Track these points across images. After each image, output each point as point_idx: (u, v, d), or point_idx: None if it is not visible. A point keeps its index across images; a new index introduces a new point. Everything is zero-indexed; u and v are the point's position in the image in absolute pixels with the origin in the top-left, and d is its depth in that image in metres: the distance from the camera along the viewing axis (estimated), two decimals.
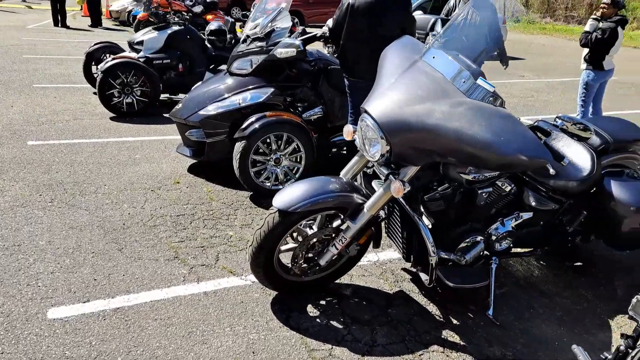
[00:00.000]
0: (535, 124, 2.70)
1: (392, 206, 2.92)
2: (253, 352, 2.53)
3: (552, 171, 2.40)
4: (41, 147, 5.10)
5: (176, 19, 7.04)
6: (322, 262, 2.83)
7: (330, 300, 2.98)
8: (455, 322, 2.88)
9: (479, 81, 2.45)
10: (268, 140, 4.20)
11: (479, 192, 2.82)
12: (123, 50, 7.23)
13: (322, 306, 2.92)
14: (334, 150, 4.89)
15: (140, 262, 3.23)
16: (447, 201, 2.83)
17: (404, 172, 2.60)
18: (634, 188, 3.16)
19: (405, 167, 2.60)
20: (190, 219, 3.84)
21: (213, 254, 3.39)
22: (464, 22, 2.79)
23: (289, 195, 2.66)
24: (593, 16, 6.10)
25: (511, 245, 3.08)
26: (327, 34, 4.65)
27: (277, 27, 4.60)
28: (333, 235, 2.83)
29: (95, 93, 6.95)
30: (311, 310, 2.88)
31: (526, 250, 3.32)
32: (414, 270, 3.12)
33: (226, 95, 4.46)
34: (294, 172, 4.38)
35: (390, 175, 2.59)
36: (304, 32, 4.95)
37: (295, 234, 2.87)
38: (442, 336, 2.76)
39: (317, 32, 4.81)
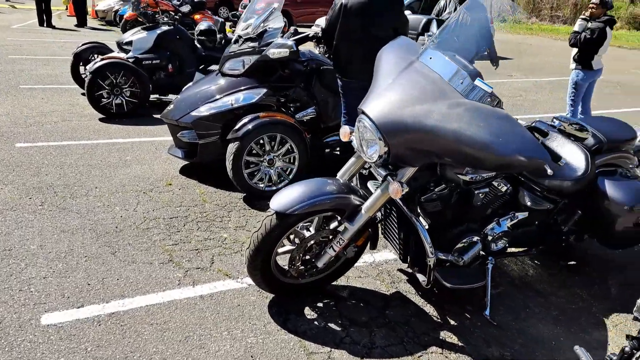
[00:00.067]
0: (533, 124, 2.70)
1: (389, 207, 2.92)
2: (251, 356, 2.51)
3: (549, 172, 2.40)
4: (30, 150, 5.02)
5: (165, 19, 6.98)
6: (320, 264, 2.81)
7: (328, 302, 2.97)
8: (452, 322, 2.88)
9: (477, 82, 2.45)
10: (261, 141, 4.17)
11: (476, 192, 2.82)
12: (111, 51, 7.15)
13: (319, 308, 2.91)
14: (327, 150, 4.87)
15: (135, 266, 3.19)
16: (444, 202, 2.82)
17: (401, 173, 2.59)
18: (627, 187, 3.18)
19: (403, 168, 2.59)
20: (184, 222, 3.80)
21: (208, 256, 3.36)
22: (459, 23, 2.80)
23: (286, 197, 2.64)
24: (582, 16, 6.15)
25: (507, 245, 3.09)
26: (320, 34, 4.64)
27: (269, 28, 4.57)
28: (330, 237, 2.82)
29: (83, 94, 6.88)
30: (309, 313, 2.86)
31: (521, 249, 3.33)
32: (411, 271, 3.11)
33: (218, 96, 4.42)
34: (287, 173, 4.36)
35: (389, 177, 2.58)
36: (296, 33, 4.94)
37: (292, 236, 2.85)
38: (441, 337, 2.75)
39: (310, 32, 4.81)
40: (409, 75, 2.60)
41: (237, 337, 2.63)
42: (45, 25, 14.72)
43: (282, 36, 4.63)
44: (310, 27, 14.46)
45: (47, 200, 3.98)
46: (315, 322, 2.79)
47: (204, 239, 3.57)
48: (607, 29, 5.90)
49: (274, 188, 4.29)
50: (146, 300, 2.87)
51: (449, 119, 2.36)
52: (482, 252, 2.96)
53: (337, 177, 2.87)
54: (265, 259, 2.72)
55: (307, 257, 2.85)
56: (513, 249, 3.26)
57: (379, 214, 2.92)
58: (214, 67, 7.36)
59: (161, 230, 3.65)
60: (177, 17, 7.17)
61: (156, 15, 6.99)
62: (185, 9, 10.77)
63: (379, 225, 3.01)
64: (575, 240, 3.43)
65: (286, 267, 2.88)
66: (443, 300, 3.06)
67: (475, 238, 2.90)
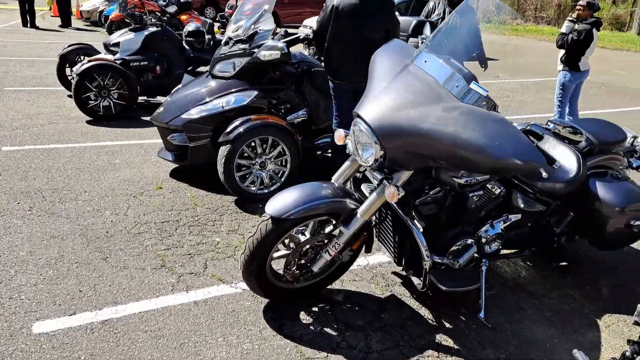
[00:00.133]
0: (528, 127, 2.72)
1: (384, 211, 2.91)
2: None
3: (544, 175, 2.42)
4: (16, 153, 4.94)
5: (153, 20, 6.91)
6: (315, 268, 2.80)
7: (323, 306, 2.96)
8: (448, 325, 2.89)
9: (472, 85, 2.45)
10: (253, 144, 4.15)
11: (470, 195, 2.83)
12: (98, 52, 7.07)
13: (314, 313, 2.89)
14: (319, 153, 4.86)
15: (127, 272, 3.15)
16: (439, 205, 2.83)
17: (397, 177, 2.59)
18: (618, 189, 3.22)
19: (399, 172, 2.59)
20: (176, 226, 3.77)
21: (201, 261, 3.33)
22: (452, 26, 2.81)
23: (281, 201, 2.62)
24: (569, 18, 6.21)
25: (500, 247, 3.11)
26: (311, 36, 4.63)
27: (259, 30, 4.54)
28: (326, 241, 2.81)
29: (70, 96, 6.79)
30: (304, 318, 2.85)
31: (514, 251, 3.35)
32: (405, 274, 3.11)
33: (209, 99, 4.39)
34: (279, 175, 4.34)
35: (384, 180, 2.58)
36: (286, 34, 4.92)
37: (287, 241, 2.83)
38: (436, 340, 2.76)
39: (300, 34, 4.78)
40: (404, 79, 2.59)
41: (233, 343, 2.61)
42: (29, 25, 14.53)
43: (272, 38, 4.60)
44: (297, 27, 14.48)
45: (35, 205, 3.91)
46: (311, 327, 2.77)
47: (196, 244, 3.54)
48: (594, 30, 5.97)
49: (266, 191, 4.27)
50: (139, 306, 2.84)
51: (445, 122, 2.36)
52: (476, 255, 2.97)
53: (332, 181, 2.86)
54: (261, 264, 2.70)
55: (303, 261, 2.83)
56: (506, 251, 3.28)
57: (373, 218, 2.91)
58: (203, 68, 7.36)
59: (153, 235, 3.61)
60: (165, 18, 7.10)
61: (143, 17, 6.92)
62: (172, 9, 10.71)
63: (374, 228, 3.01)
64: (567, 242, 3.46)
65: (281, 272, 2.86)
66: (438, 303, 3.06)
67: (470, 241, 2.90)
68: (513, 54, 16.41)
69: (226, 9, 18.70)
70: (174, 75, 6.88)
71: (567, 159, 3.16)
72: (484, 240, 3.00)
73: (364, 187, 2.98)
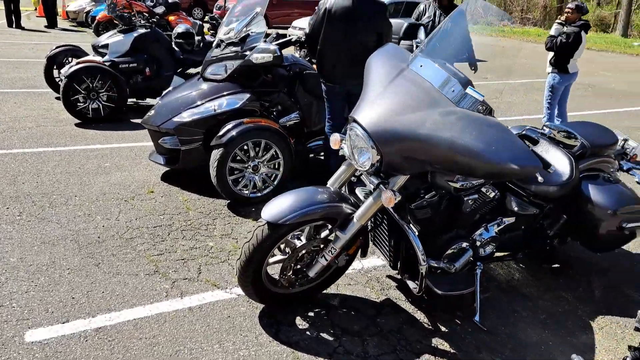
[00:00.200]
0: (523, 132, 2.73)
1: (380, 215, 2.91)
2: None
3: (540, 179, 2.44)
4: (4, 157, 4.87)
5: (142, 21, 6.86)
6: (312, 273, 2.79)
7: (319, 311, 2.95)
8: (443, 329, 2.89)
9: (468, 90, 2.46)
10: (245, 147, 4.12)
11: (465, 199, 2.84)
12: (86, 54, 7.01)
13: (310, 318, 2.88)
14: (311, 155, 4.85)
15: (120, 278, 3.11)
16: (434, 209, 2.83)
17: (393, 182, 2.58)
18: (610, 191, 3.25)
19: (395, 177, 2.59)
20: (168, 230, 3.73)
21: (195, 266, 3.30)
22: (446, 30, 2.82)
23: (277, 207, 2.61)
24: (558, 21, 6.27)
25: (495, 250, 3.12)
26: (303, 39, 4.62)
27: (251, 32, 4.52)
28: (322, 246, 2.80)
29: (58, 98, 6.72)
30: (300, 323, 2.83)
31: (507, 254, 3.36)
32: (400, 277, 3.11)
33: (201, 102, 4.36)
34: (272, 179, 4.32)
35: (381, 185, 2.57)
36: (278, 37, 4.90)
37: (282, 246, 2.82)
38: (433, 344, 2.76)
39: (293, 37, 4.77)
40: (401, 84, 2.59)
41: (229, 350, 2.59)
42: (14, 26, 14.37)
43: (265, 41, 4.58)
44: (286, 28, 14.45)
45: (25, 210, 3.86)
46: (308, 332, 2.76)
47: (189, 248, 3.51)
48: (582, 33, 6.04)
49: (259, 194, 4.25)
50: (133, 313, 2.80)
51: (442, 127, 2.37)
52: (471, 258, 2.97)
53: (328, 186, 2.85)
54: (257, 270, 2.68)
55: (299, 266, 2.82)
56: (499, 253, 3.29)
57: (369, 222, 2.91)
58: (192, 70, 7.31)
59: (145, 239, 3.58)
60: (155, 19, 7.05)
61: (132, 18, 6.86)
62: (159, 10, 10.60)
63: (370, 233, 3.00)
64: (559, 244, 3.49)
65: (277, 277, 2.85)
66: (433, 306, 3.06)
67: (465, 244, 2.91)
68: (500, 56, 16.52)
69: (214, 10, 18.67)
70: (163, 77, 6.84)
71: (560, 162, 3.18)
72: (478, 243, 3.01)
73: (358, 191, 2.97)
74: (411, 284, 2.89)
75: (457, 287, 2.91)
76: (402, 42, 4.97)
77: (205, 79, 4.55)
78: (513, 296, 3.26)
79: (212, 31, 7.74)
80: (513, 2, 31.60)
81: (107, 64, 6.28)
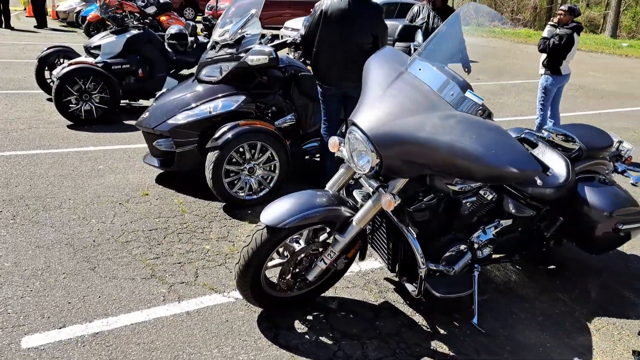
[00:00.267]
0: (522, 135, 2.74)
1: (378, 219, 2.90)
2: None
3: (539, 182, 2.44)
4: None
5: (135, 22, 6.81)
6: (311, 277, 2.78)
7: (317, 314, 2.94)
8: (442, 332, 2.89)
9: (467, 94, 2.46)
10: (241, 150, 4.10)
11: (464, 201, 2.85)
12: (78, 55, 6.95)
13: (309, 321, 2.87)
14: (307, 157, 4.84)
15: (116, 282, 3.09)
16: (432, 211, 2.83)
17: (392, 185, 2.58)
18: (606, 193, 3.27)
19: (394, 180, 2.59)
20: (164, 234, 3.71)
21: (191, 270, 3.28)
22: (443, 34, 2.82)
23: (276, 210, 2.59)
24: (550, 22, 6.31)
25: (492, 252, 3.13)
26: (298, 40, 4.61)
27: (247, 34, 4.50)
28: (320, 249, 2.79)
29: (49, 99, 6.66)
30: (299, 327, 2.82)
31: (504, 255, 3.37)
32: (398, 280, 3.11)
33: (196, 104, 4.33)
34: (268, 181, 4.31)
35: (380, 189, 2.57)
36: (273, 38, 4.89)
37: (281, 249, 2.81)
38: (432, 347, 2.76)
39: (288, 38, 4.76)
40: (400, 87, 2.59)
41: (228, 354, 2.57)
42: (3, 26, 14.22)
43: (260, 42, 4.57)
44: (279, 29, 14.41)
45: (19, 213, 3.81)
46: (307, 336, 2.75)
47: (186, 252, 3.49)
48: (575, 35, 6.07)
49: (255, 197, 4.23)
50: (131, 318, 2.78)
51: (442, 131, 2.37)
52: (469, 260, 2.98)
53: (326, 189, 2.84)
54: (256, 274, 2.67)
55: (297, 270, 2.81)
56: (496, 255, 3.30)
57: (368, 225, 2.90)
58: (185, 71, 7.28)
59: (141, 243, 3.55)
60: (147, 21, 7.00)
61: (125, 19, 6.81)
62: (151, 10, 10.55)
63: (368, 236, 3.00)
64: (555, 245, 3.51)
65: (275, 281, 2.84)
66: (431, 309, 3.07)
67: (463, 247, 2.92)
68: (492, 57, 16.60)
69: (206, 10, 18.61)
70: (156, 78, 6.81)
71: (556, 164, 3.19)
72: (476, 245, 3.01)
73: (356, 193, 2.96)
74: (409, 287, 2.89)
75: (455, 290, 2.92)
76: (397, 44, 4.98)
77: (200, 81, 4.53)
78: (510, 298, 3.27)
79: (205, 32, 7.70)
80: (503, 3, 31.79)
81: (99, 65, 6.24)
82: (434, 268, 2.83)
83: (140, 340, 2.62)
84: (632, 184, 3.51)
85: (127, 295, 2.97)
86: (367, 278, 3.34)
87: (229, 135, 3.99)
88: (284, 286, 2.81)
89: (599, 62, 17.58)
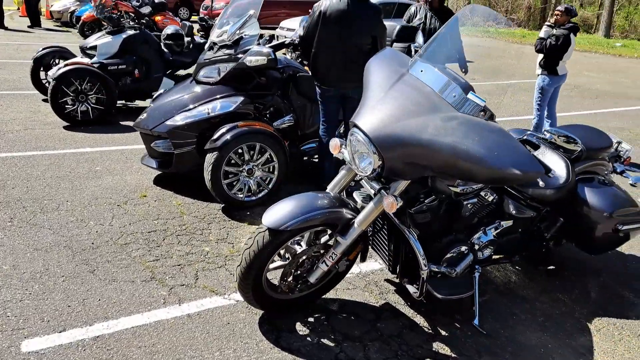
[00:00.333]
0: (524, 137, 2.74)
1: (380, 220, 2.90)
2: None
3: (541, 184, 2.44)
4: None
5: (131, 22, 6.78)
6: (312, 279, 2.77)
7: (319, 316, 2.93)
8: (444, 333, 2.89)
9: (470, 95, 2.46)
10: (240, 151, 4.09)
11: (465, 203, 2.85)
12: (74, 55, 6.91)
13: (310, 324, 2.86)
14: (305, 158, 4.83)
15: (116, 285, 3.07)
16: (433, 213, 2.83)
17: (394, 187, 2.58)
18: (606, 194, 3.28)
19: (396, 182, 2.58)
20: (163, 235, 3.69)
21: (192, 272, 3.27)
22: (444, 36, 2.83)
23: (278, 213, 2.58)
24: (547, 23, 6.32)
25: (492, 253, 3.13)
26: (296, 41, 4.60)
27: (245, 35, 4.49)
28: (322, 251, 2.78)
29: (45, 100, 6.63)
30: (300, 329, 2.81)
31: (504, 256, 3.38)
32: (398, 281, 3.11)
33: (194, 105, 4.31)
34: (266, 182, 4.29)
35: (382, 191, 2.56)
36: (271, 39, 4.87)
37: (282, 251, 2.80)
38: (434, 349, 2.76)
39: (286, 39, 4.75)
40: (401, 88, 2.59)
41: (230, 357, 2.56)
42: None
43: (258, 43, 4.55)
44: (274, 29, 14.38)
45: (16, 215, 3.79)
46: (308, 338, 2.74)
47: (185, 254, 3.47)
48: (571, 35, 6.09)
49: (254, 198, 4.22)
50: (131, 321, 2.76)
51: (444, 132, 2.36)
52: (471, 262, 2.98)
53: (328, 191, 2.84)
54: (257, 276, 2.66)
55: (299, 272, 2.80)
56: (496, 256, 3.30)
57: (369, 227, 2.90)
58: (182, 72, 7.25)
59: (140, 245, 3.53)
60: (144, 21, 6.97)
61: (121, 19, 6.78)
62: (146, 10, 10.51)
63: (369, 237, 2.99)
64: (554, 246, 3.51)
65: (276, 283, 2.83)
66: (432, 310, 3.06)
67: (464, 248, 2.91)
68: (486, 56, 16.63)
69: (201, 10, 18.55)
70: (152, 78, 6.78)
71: (556, 165, 3.20)
72: (477, 247, 3.01)
73: (356, 195, 2.95)
74: (411, 288, 2.89)
75: (456, 291, 2.92)
76: (395, 44, 4.97)
77: (198, 82, 4.51)
78: (511, 299, 3.28)
79: (201, 32, 7.67)
80: (497, 3, 31.87)
81: (95, 65, 6.21)
82: (436, 269, 2.82)
83: (141, 343, 2.61)
84: (631, 185, 3.52)
85: (127, 298, 2.96)
86: (368, 279, 3.34)
87: (228, 136, 3.98)
88: (285, 288, 2.80)
89: (592, 62, 17.65)
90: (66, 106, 5.93)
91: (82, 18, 12.94)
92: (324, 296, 3.04)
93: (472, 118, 2.44)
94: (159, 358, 2.52)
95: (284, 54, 5.54)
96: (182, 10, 20.28)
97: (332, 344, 2.71)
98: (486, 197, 2.95)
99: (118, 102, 6.51)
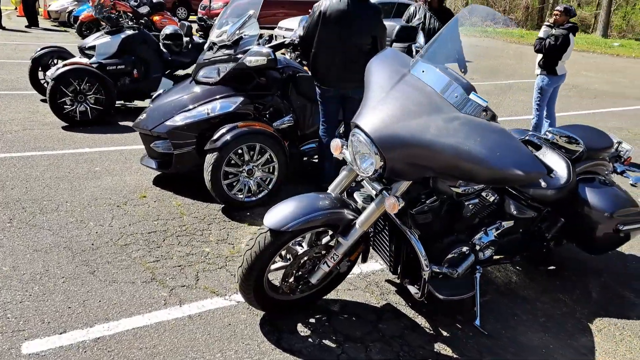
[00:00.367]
0: (526, 138, 2.74)
1: (381, 221, 2.89)
2: None
3: (544, 184, 2.44)
4: None
5: (130, 22, 6.76)
6: (314, 280, 2.77)
7: (320, 317, 2.92)
8: (445, 334, 2.89)
9: (472, 96, 2.46)
10: (240, 151, 4.08)
11: (466, 203, 2.84)
12: (72, 55, 6.89)
13: (312, 325, 2.86)
14: (305, 158, 4.82)
15: (116, 286, 3.06)
16: (435, 213, 2.82)
17: (396, 187, 2.57)
18: (607, 194, 3.28)
19: (397, 182, 2.58)
20: (163, 236, 3.68)
21: (192, 273, 3.26)
22: (445, 36, 2.82)
23: (279, 214, 2.58)
24: (546, 23, 6.33)
25: (493, 253, 3.13)
26: (296, 41, 4.59)
27: (245, 35, 4.48)
28: (323, 252, 2.77)
29: (43, 100, 6.61)
30: (302, 330, 2.81)
31: (505, 256, 3.37)
32: (399, 282, 3.10)
33: (193, 105, 4.30)
34: (266, 183, 4.28)
35: (384, 191, 2.56)
36: (270, 39, 4.87)
37: (284, 252, 2.79)
38: (435, 350, 2.75)
39: (286, 39, 4.74)
40: (403, 89, 2.58)
41: (231, 358, 2.55)
42: None
43: (258, 43, 4.54)
44: (272, 28, 14.37)
45: (15, 216, 3.77)
46: (310, 340, 2.74)
47: (185, 255, 3.46)
48: (570, 35, 6.09)
49: (254, 199, 4.21)
50: (132, 322, 2.75)
51: (446, 133, 2.36)
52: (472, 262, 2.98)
53: (329, 191, 2.83)
54: (259, 277, 2.65)
55: (300, 273, 2.80)
56: (496, 256, 3.30)
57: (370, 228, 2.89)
58: (181, 72, 7.24)
59: (140, 246, 3.52)
60: (143, 21, 6.96)
61: (120, 19, 6.76)
62: (144, 10, 10.50)
63: (371, 238, 2.99)
64: (555, 246, 3.51)
65: (277, 284, 2.82)
66: (434, 311, 3.06)
67: (465, 249, 2.91)
68: (484, 56, 16.65)
69: (199, 10, 18.52)
70: (151, 79, 6.77)
71: (557, 165, 3.20)
72: (478, 247, 3.01)
73: (357, 195, 2.95)
74: (412, 289, 2.88)
75: (457, 292, 2.92)
76: (395, 44, 4.97)
77: (198, 82, 4.50)
78: (511, 299, 3.27)
79: (200, 32, 7.66)
80: (495, 3, 31.90)
81: (94, 65, 6.19)
82: (437, 270, 2.82)
83: (142, 345, 2.60)
84: (632, 185, 3.52)
85: (127, 299, 2.94)
86: (369, 280, 3.33)
87: (228, 137, 3.97)
88: (286, 289, 2.79)
89: (590, 61, 17.67)
90: (65, 106, 5.91)
91: (80, 18, 12.91)
92: (325, 297, 3.03)
93: (474, 118, 2.43)
94: (160, 359, 2.51)
95: (283, 54, 5.54)
96: (180, 10, 20.24)
97: (333, 345, 2.70)
98: (487, 198, 2.95)
99: (117, 102, 6.49)
